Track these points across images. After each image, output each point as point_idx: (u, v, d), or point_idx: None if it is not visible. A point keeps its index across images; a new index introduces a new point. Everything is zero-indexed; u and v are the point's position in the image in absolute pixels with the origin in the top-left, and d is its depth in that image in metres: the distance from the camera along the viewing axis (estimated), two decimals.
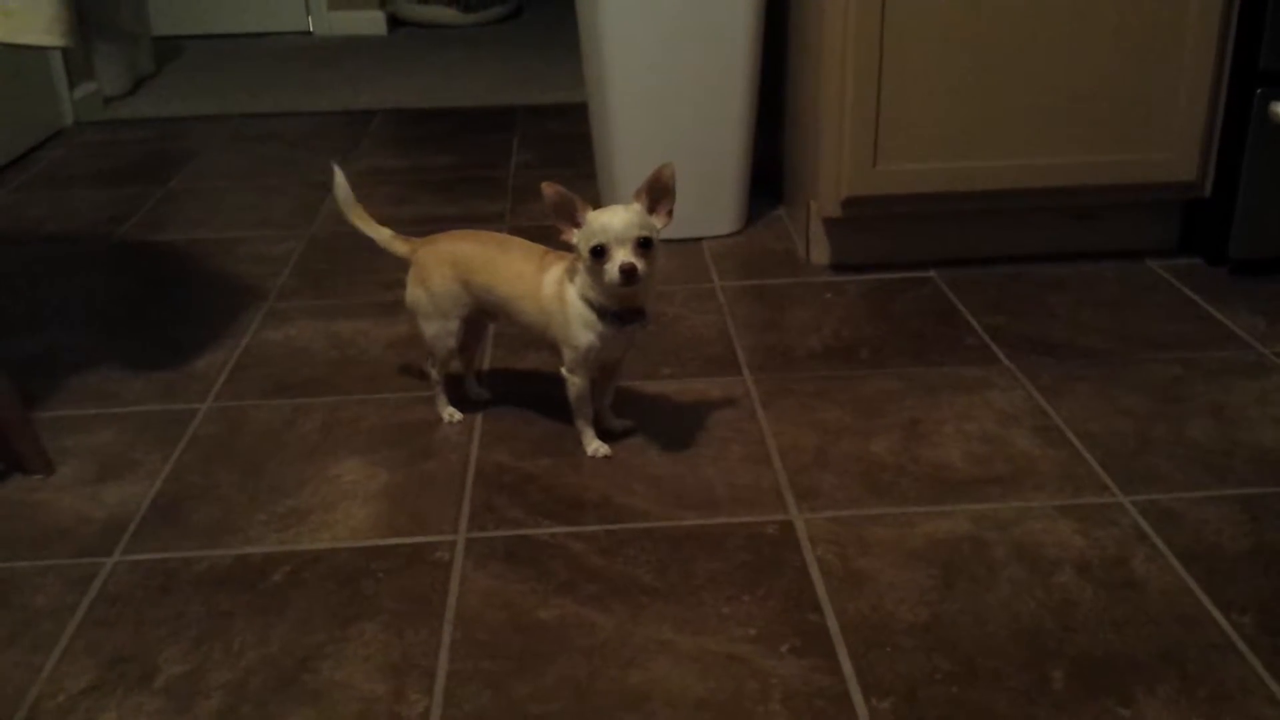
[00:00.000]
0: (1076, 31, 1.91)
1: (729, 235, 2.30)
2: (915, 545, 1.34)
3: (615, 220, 1.37)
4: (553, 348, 1.53)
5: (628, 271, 1.35)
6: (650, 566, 1.32)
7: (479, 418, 1.64)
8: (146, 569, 1.33)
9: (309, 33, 4.50)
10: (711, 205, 2.28)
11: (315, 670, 1.16)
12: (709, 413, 1.64)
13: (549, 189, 1.42)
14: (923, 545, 1.34)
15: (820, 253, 2.13)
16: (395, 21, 4.59)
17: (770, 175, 2.40)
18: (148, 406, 1.68)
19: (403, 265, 1.61)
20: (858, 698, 1.12)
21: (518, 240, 1.59)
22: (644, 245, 1.37)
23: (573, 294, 1.45)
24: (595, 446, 1.55)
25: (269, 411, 1.67)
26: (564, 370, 1.51)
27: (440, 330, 1.58)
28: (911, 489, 1.45)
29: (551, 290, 1.48)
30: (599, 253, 1.36)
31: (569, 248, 1.44)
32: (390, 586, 1.29)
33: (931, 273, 2.08)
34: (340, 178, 1.59)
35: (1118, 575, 1.28)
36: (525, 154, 2.88)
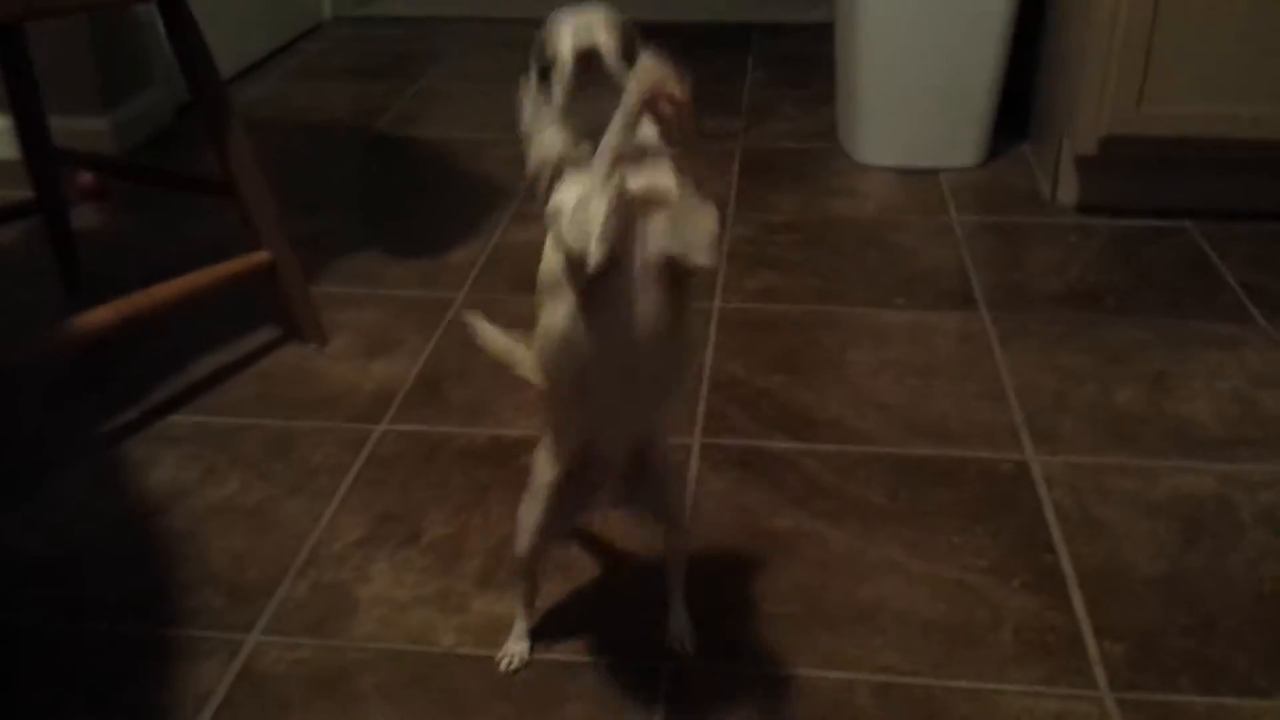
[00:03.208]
0: None
1: (969, 168, 2.25)
2: (1157, 498, 1.32)
3: (572, 17, 0.84)
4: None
5: (581, 62, 0.82)
6: (882, 490, 1.35)
7: (713, 329, 1.69)
8: (412, 439, 1.44)
9: None
10: (952, 135, 2.23)
11: (564, 546, 1.25)
12: (943, 345, 1.64)
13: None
14: (1165, 499, 1.31)
15: (1068, 193, 2.06)
16: None
17: (1017, 108, 2.32)
18: (409, 291, 1.80)
19: None
20: (1090, 639, 1.12)
21: None
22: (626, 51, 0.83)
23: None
24: (511, 652, 1.10)
25: (516, 304, 1.75)
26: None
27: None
28: (1156, 442, 1.41)
29: None
30: (546, 66, 0.85)
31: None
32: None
33: (1186, 222, 1.98)
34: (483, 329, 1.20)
35: None
36: (760, 73, 2.87)
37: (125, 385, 1.56)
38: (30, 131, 1.68)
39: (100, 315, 1.38)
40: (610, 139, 0.81)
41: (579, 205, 0.81)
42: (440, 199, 2.18)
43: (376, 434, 1.45)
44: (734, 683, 1.08)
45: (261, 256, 1.56)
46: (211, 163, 1.56)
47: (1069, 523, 1.28)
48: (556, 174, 0.87)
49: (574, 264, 0.83)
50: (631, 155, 0.82)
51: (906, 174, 2.23)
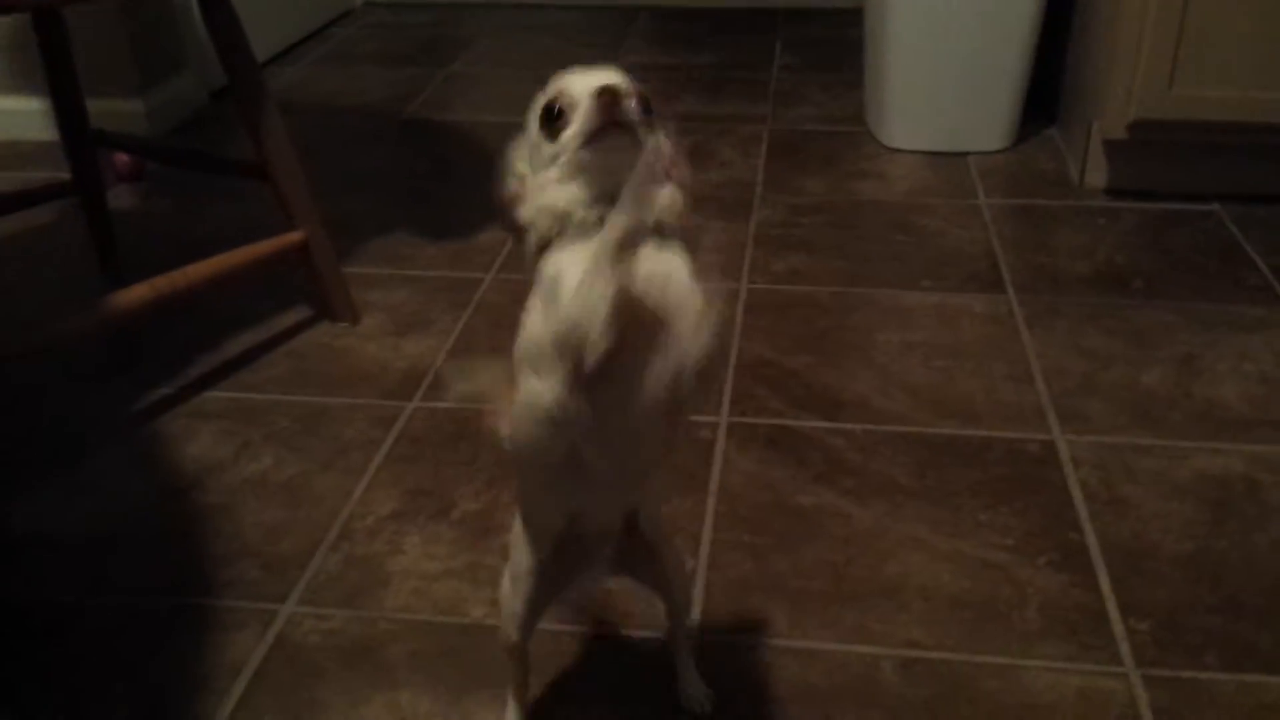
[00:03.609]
0: None
1: (997, 151, 2.24)
2: (1183, 479, 1.32)
3: (585, 73, 0.79)
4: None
5: (605, 94, 0.75)
6: (907, 468, 1.35)
7: (740, 310, 1.70)
8: (442, 416, 1.46)
9: None
10: (981, 118, 2.22)
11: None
12: (970, 327, 1.64)
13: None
14: (1191, 480, 1.32)
15: (1096, 176, 2.05)
16: None
17: (1045, 91, 2.31)
18: (439, 272, 1.82)
19: None
20: (1115, 616, 1.13)
21: None
22: (645, 111, 0.77)
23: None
24: None
25: None
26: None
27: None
28: (1183, 423, 1.41)
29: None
30: (553, 114, 0.77)
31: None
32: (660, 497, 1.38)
33: (1215, 206, 1.97)
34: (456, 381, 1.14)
35: None
36: (787, 57, 2.87)
37: (160, 363, 1.59)
38: (68, 114, 1.71)
39: (137, 293, 1.41)
40: (619, 216, 0.70)
41: (583, 285, 0.71)
42: (469, 182, 2.20)
43: (408, 411, 1.48)
44: (759, 657, 1.10)
45: (294, 237, 1.59)
46: (245, 145, 1.58)
47: (1095, 502, 1.28)
48: (558, 229, 0.77)
49: (570, 347, 0.72)
50: (639, 235, 0.72)
51: (934, 157, 2.22)
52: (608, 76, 0.77)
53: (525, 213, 0.79)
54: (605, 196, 0.75)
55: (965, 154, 2.23)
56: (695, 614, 1.14)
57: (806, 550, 1.23)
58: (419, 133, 2.46)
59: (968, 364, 1.56)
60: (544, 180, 0.78)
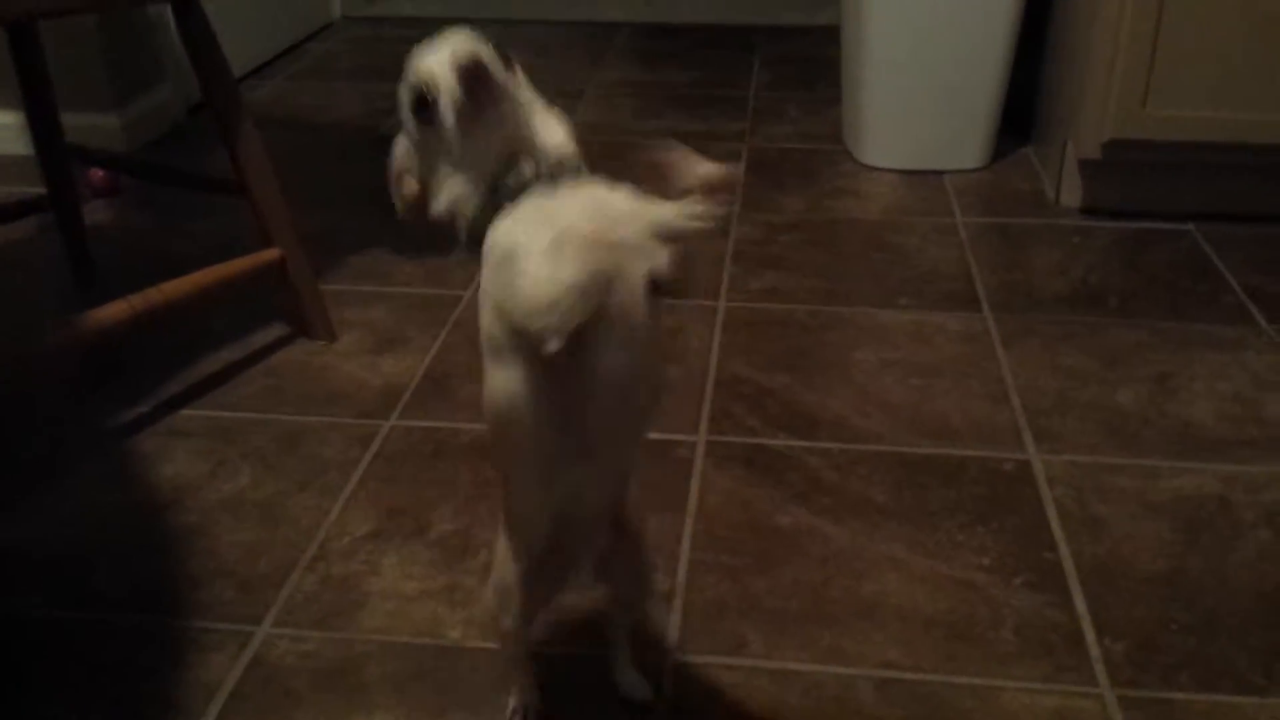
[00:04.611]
0: None
1: (973, 170, 2.26)
2: (1158, 498, 1.33)
3: (436, 49, 0.78)
4: None
5: (464, 70, 0.74)
6: (884, 487, 1.36)
7: (718, 329, 1.70)
8: (419, 434, 1.46)
9: None
10: (957, 137, 2.24)
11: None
12: (946, 346, 1.65)
13: None
14: (1166, 499, 1.33)
15: (1071, 195, 2.07)
16: None
17: (1021, 111, 2.33)
18: (417, 289, 1.82)
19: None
20: (1091, 637, 1.13)
21: None
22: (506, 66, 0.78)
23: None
24: (523, 704, 1.02)
25: None
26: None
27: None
28: (1157, 442, 1.43)
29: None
30: (424, 102, 0.77)
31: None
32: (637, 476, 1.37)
33: (1189, 225, 2.00)
34: None
35: None
36: (766, 75, 2.88)
37: (136, 380, 1.58)
38: (42, 128, 1.70)
39: (113, 311, 1.40)
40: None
41: (539, 275, 0.67)
42: None
43: (385, 429, 1.47)
44: (736, 677, 1.10)
45: (271, 254, 1.58)
46: (222, 160, 1.58)
47: (1070, 521, 1.29)
48: (483, 207, 0.76)
49: (535, 325, 0.68)
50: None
51: (911, 175, 2.24)
52: (458, 44, 0.75)
53: (439, 210, 0.78)
54: (509, 156, 0.75)
55: (941, 172, 2.24)
56: (673, 635, 1.14)
57: (783, 570, 1.23)
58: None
59: (944, 382, 1.56)
60: (442, 174, 0.77)
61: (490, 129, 0.75)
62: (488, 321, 0.75)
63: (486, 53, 0.75)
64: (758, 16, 3.43)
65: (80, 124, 2.04)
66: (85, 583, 1.23)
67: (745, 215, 2.08)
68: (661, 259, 0.72)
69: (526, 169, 0.76)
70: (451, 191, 0.77)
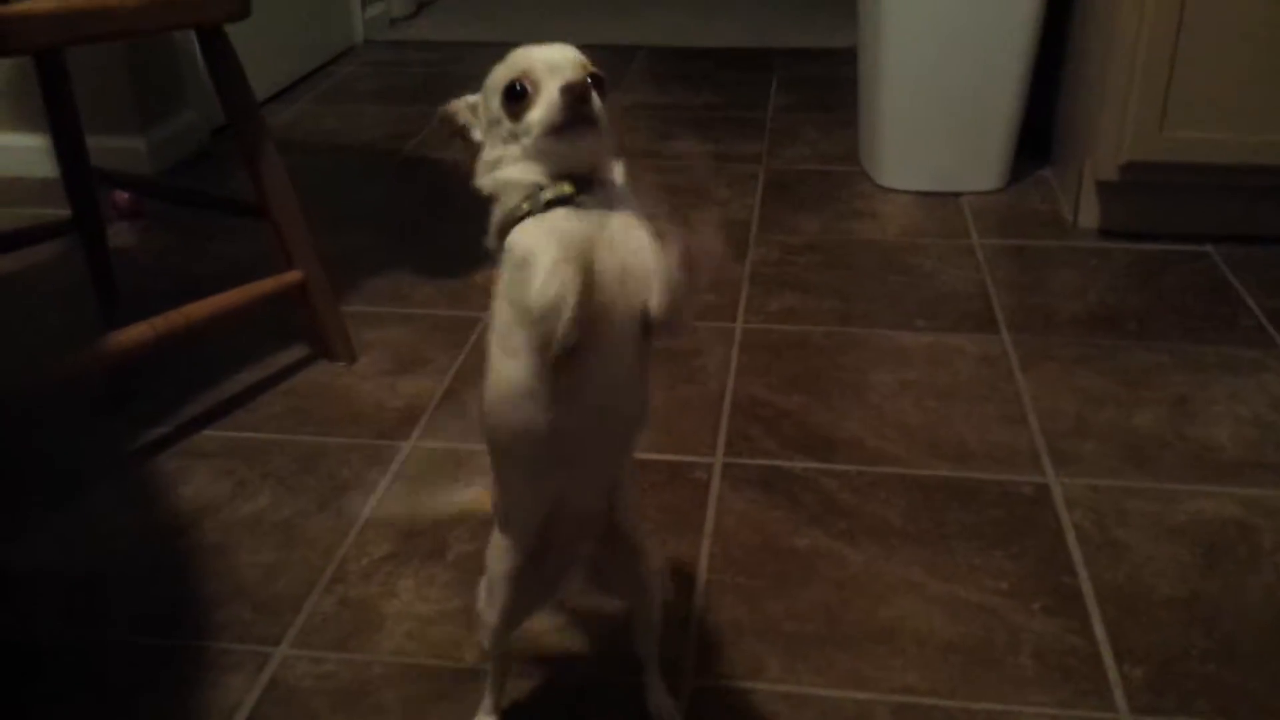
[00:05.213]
0: None
1: (990, 192, 2.26)
2: (1177, 522, 1.32)
3: (546, 49, 0.82)
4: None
5: (573, 90, 0.78)
6: (901, 510, 1.36)
7: (735, 350, 1.71)
8: (439, 455, 1.47)
9: None
10: (974, 159, 2.25)
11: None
12: (964, 368, 1.65)
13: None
14: (1185, 523, 1.32)
15: (1089, 217, 2.07)
16: None
17: (1038, 132, 2.33)
18: (436, 310, 1.83)
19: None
20: (1109, 662, 1.13)
21: None
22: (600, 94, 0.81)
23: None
24: None
25: None
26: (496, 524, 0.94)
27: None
28: (1176, 466, 1.42)
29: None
30: (516, 94, 0.80)
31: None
32: (654, 498, 1.38)
33: (1208, 247, 1.99)
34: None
35: None
36: (783, 97, 2.90)
37: (158, 401, 1.60)
38: (68, 151, 1.73)
39: (136, 332, 1.42)
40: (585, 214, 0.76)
41: (551, 274, 0.72)
42: (467, 220, 2.21)
43: (404, 450, 1.48)
44: (752, 702, 1.10)
45: (293, 276, 1.60)
46: (245, 183, 1.60)
47: (1089, 545, 1.29)
48: (524, 203, 0.80)
49: (541, 334, 0.75)
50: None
51: (928, 197, 2.24)
52: (569, 58, 0.80)
53: (485, 184, 0.83)
54: (564, 176, 0.79)
55: (959, 194, 2.25)
56: (690, 658, 1.14)
57: (800, 593, 1.23)
58: (418, 171, 2.48)
59: (961, 405, 1.56)
60: (505, 155, 0.81)
61: (566, 143, 0.79)
62: (503, 314, 0.80)
63: (589, 80, 0.79)
64: (775, 39, 3.45)
65: (106, 147, 2.07)
66: (104, 604, 1.24)
67: (762, 237, 2.09)
68: (654, 297, 0.77)
69: (568, 186, 0.80)
70: (506, 175, 0.81)
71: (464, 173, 0.86)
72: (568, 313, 0.72)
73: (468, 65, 3.21)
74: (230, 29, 1.49)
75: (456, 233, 2.14)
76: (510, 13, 3.79)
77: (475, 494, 1.07)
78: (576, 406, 0.80)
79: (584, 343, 0.75)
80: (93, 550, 1.32)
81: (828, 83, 2.96)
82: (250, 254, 1.84)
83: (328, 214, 2.19)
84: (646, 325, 0.79)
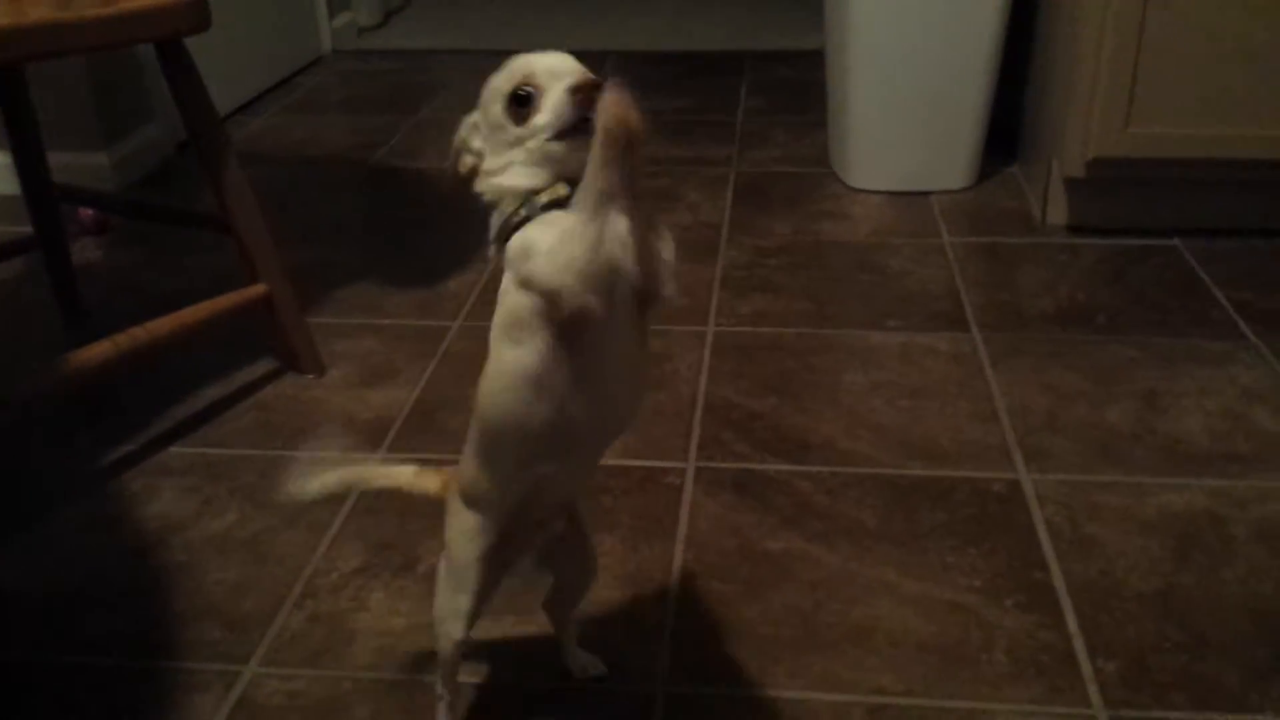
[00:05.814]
0: None
1: (959, 190, 2.27)
2: (1148, 516, 1.32)
3: (545, 56, 0.83)
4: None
5: (582, 90, 0.78)
6: (874, 511, 1.35)
7: (706, 353, 1.70)
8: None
9: None
10: (943, 158, 2.25)
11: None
12: (935, 366, 1.65)
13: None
14: (1156, 516, 1.32)
15: (1057, 213, 2.07)
16: None
17: (1005, 130, 2.34)
18: (406, 320, 1.82)
19: None
20: (1083, 657, 1.13)
21: None
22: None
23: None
24: None
25: None
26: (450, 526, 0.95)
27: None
28: (1147, 459, 1.42)
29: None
30: (522, 99, 0.81)
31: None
32: (626, 504, 1.37)
33: (1175, 241, 2.00)
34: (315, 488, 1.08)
35: None
36: (754, 100, 2.90)
37: (123, 418, 1.58)
38: (30, 167, 1.71)
39: (99, 350, 1.40)
40: (593, 178, 0.73)
41: (562, 242, 0.75)
42: (437, 229, 2.20)
43: (374, 462, 1.46)
44: (727, 706, 1.09)
45: (258, 290, 1.58)
46: (211, 198, 1.58)
47: (1061, 540, 1.29)
48: (524, 209, 0.81)
49: (550, 303, 0.77)
50: (614, 193, 0.75)
51: (897, 197, 2.25)
52: (568, 64, 0.81)
53: (486, 191, 0.84)
54: (567, 179, 0.79)
55: (928, 193, 2.25)
56: (664, 663, 1.13)
57: (774, 596, 1.22)
58: (387, 180, 2.47)
59: (933, 403, 1.56)
60: (508, 161, 0.82)
61: (569, 146, 0.79)
62: (512, 302, 0.80)
63: (594, 82, 0.79)
64: (745, 42, 3.45)
65: (68, 163, 2.05)
66: (70, 625, 1.22)
67: (733, 239, 2.08)
68: (666, 285, 0.80)
69: (563, 189, 0.80)
70: (508, 180, 0.82)
71: (447, 183, 0.87)
72: (578, 269, 0.73)
73: (437, 74, 3.22)
74: (198, 40, 1.47)
75: (426, 242, 2.13)
76: (479, 21, 3.78)
77: (413, 472, 1.02)
78: (582, 395, 0.81)
79: (590, 320, 0.76)
80: (58, 571, 1.30)
81: (798, 85, 2.96)
82: (218, 268, 1.82)
83: (295, 225, 2.18)
84: (641, 304, 0.80)
